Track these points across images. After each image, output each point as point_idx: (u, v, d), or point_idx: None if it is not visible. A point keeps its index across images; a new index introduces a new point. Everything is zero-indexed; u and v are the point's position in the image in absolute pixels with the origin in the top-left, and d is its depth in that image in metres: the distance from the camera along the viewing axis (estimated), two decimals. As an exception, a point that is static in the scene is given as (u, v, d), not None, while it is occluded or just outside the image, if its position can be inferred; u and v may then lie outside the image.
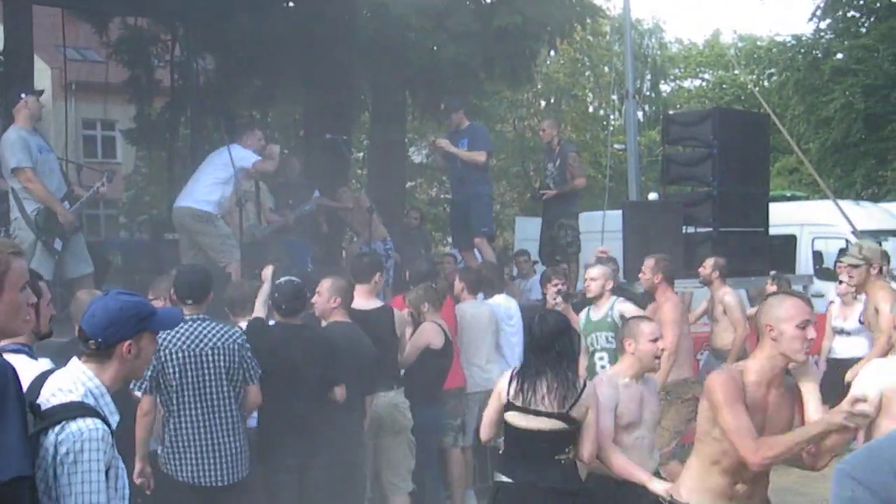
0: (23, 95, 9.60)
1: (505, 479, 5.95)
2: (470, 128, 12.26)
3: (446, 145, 11.93)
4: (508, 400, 5.88)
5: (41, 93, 10.05)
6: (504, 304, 10.10)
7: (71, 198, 9.71)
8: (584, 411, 5.82)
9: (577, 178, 12.59)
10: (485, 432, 6.18)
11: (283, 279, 7.21)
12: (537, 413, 5.79)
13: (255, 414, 7.06)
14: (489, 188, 12.69)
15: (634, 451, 6.11)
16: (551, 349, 5.91)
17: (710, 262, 11.03)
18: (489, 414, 6.10)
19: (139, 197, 28.99)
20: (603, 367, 8.18)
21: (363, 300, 8.10)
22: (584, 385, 5.90)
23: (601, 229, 14.50)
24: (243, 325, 7.35)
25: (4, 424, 3.14)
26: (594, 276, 8.96)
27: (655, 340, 6.24)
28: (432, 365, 8.73)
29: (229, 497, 6.52)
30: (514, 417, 5.88)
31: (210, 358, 6.45)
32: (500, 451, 6.14)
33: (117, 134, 31.12)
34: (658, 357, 6.28)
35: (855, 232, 14.98)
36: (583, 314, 8.87)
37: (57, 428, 3.42)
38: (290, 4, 16.72)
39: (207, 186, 10.82)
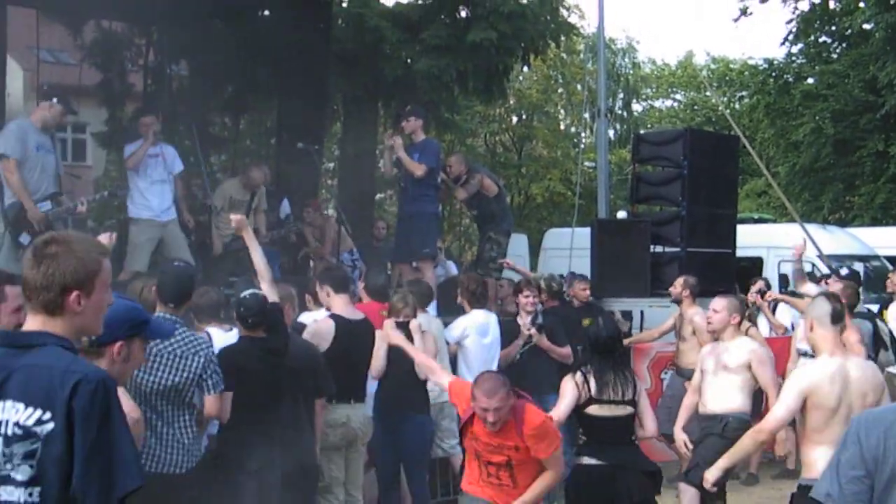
0: (54, 100, 9.64)
1: (592, 461, 6.99)
2: (423, 142, 12.08)
3: (398, 146, 11.68)
4: (591, 395, 6.98)
5: (74, 112, 10.12)
6: (483, 320, 10.06)
7: (55, 200, 9.70)
8: (640, 394, 7.15)
9: (486, 188, 12.60)
10: (559, 416, 7.01)
11: (247, 292, 7.15)
12: (616, 402, 6.98)
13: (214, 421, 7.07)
14: (435, 207, 12.28)
15: (706, 392, 8.38)
16: (614, 350, 7.26)
17: (680, 280, 11.10)
18: (565, 404, 7.05)
19: (108, 201, 28.77)
20: None
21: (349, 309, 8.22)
22: (635, 376, 7.29)
23: (569, 246, 14.55)
24: (211, 331, 7.33)
25: (119, 436, 3.11)
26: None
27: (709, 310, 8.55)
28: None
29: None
30: (595, 409, 7.00)
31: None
32: (582, 441, 7.32)
33: (88, 137, 30.93)
34: (709, 322, 8.65)
35: (821, 256, 15.10)
36: None
37: None
38: (266, 13, 16.71)
39: None
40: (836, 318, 5.99)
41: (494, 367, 9.90)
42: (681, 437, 8.32)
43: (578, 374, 7.12)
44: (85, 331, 3.37)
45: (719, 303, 8.51)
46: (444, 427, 9.54)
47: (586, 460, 7.02)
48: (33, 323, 3.25)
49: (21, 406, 3.07)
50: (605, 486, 6.89)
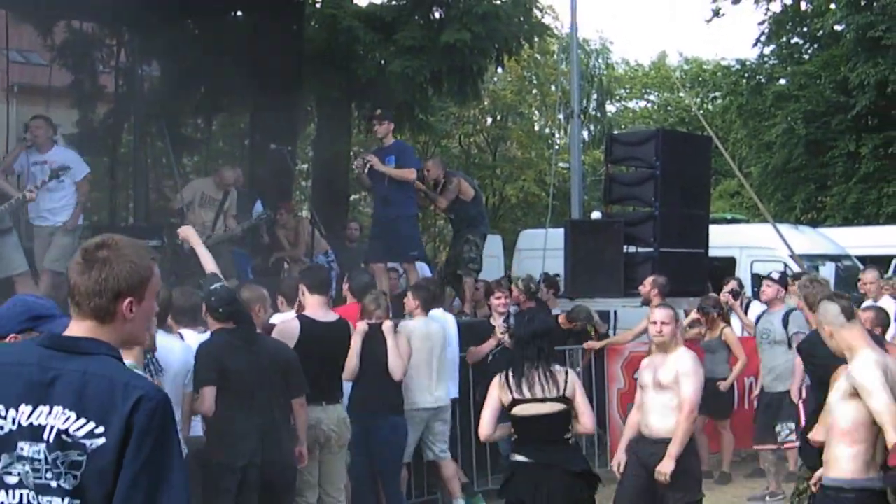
0: None
1: (522, 458, 6.88)
2: (396, 145, 12.04)
3: (377, 163, 11.67)
4: (513, 397, 6.78)
5: None
6: (442, 319, 10.07)
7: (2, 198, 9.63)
8: (574, 389, 6.82)
9: (464, 192, 12.62)
10: (484, 431, 7.02)
11: (217, 285, 7.14)
12: (541, 400, 6.74)
13: (197, 422, 7.09)
14: (415, 209, 12.50)
15: (646, 409, 7.56)
16: (535, 345, 6.88)
17: (649, 280, 11.13)
18: (486, 414, 6.96)
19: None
20: None
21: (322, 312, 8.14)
22: (567, 370, 7.02)
23: (543, 247, 14.56)
24: (185, 332, 7.30)
25: (173, 460, 2.99)
26: None
27: (655, 323, 7.57)
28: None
29: None
30: (520, 410, 6.80)
31: None
32: (514, 439, 7.04)
33: (59, 139, 30.77)
34: (657, 335, 7.60)
35: (793, 256, 15.16)
36: None
37: None
38: (238, 14, 16.65)
39: None
40: (850, 314, 5.82)
41: (457, 367, 9.96)
42: (620, 459, 7.72)
43: (500, 375, 6.98)
44: (131, 339, 3.24)
45: (667, 314, 7.71)
46: (437, 431, 9.55)
47: (517, 458, 6.92)
48: (79, 329, 3.09)
49: (73, 415, 2.92)
50: (533, 485, 6.79)
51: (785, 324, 10.66)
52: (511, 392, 6.81)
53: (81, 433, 2.91)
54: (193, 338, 7.32)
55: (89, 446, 2.90)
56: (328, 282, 8.83)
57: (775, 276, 11.40)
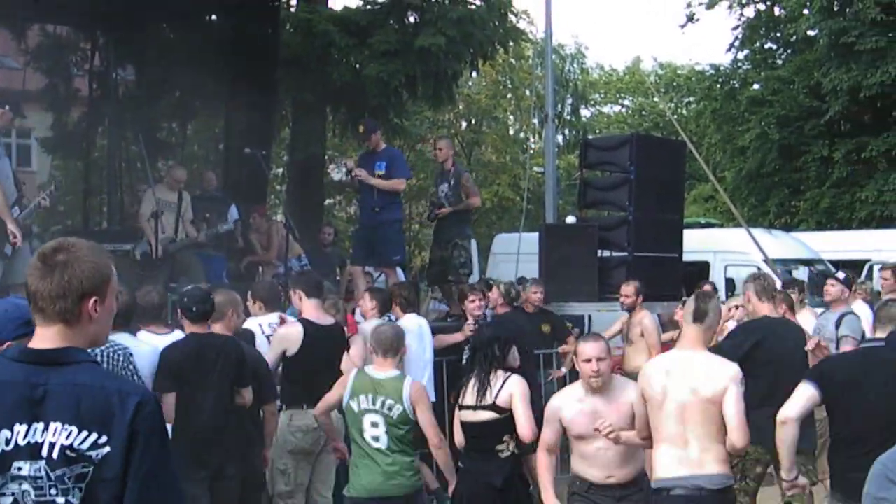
0: (6, 107, 9.60)
1: (461, 465, 7.05)
2: (387, 151, 12.06)
3: (365, 177, 11.66)
4: (458, 402, 6.94)
5: (23, 116, 10.00)
6: (415, 323, 10.06)
7: (20, 204, 9.64)
8: (508, 398, 6.68)
9: (472, 196, 12.62)
10: (455, 438, 7.12)
11: (190, 286, 7.21)
12: (474, 408, 6.77)
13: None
14: (401, 214, 12.59)
15: (597, 461, 6.28)
16: (478, 354, 6.93)
17: (631, 289, 11.13)
18: (455, 423, 7.07)
19: (53, 207, 28.45)
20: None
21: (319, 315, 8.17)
22: (508, 377, 6.80)
23: (517, 251, 14.58)
24: (145, 335, 7.24)
25: (171, 458, 3.07)
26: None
27: (588, 361, 6.18)
28: None
29: None
30: (462, 415, 6.91)
31: None
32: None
33: (33, 142, 30.58)
34: (594, 376, 6.17)
35: (767, 260, 15.22)
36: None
37: None
38: (213, 18, 16.62)
39: None
40: (697, 317, 5.94)
41: (431, 372, 9.96)
42: None
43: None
44: (97, 340, 3.20)
45: (601, 347, 6.34)
46: None
47: (460, 464, 7.09)
48: (47, 335, 3.07)
49: (74, 429, 2.92)
50: (464, 494, 6.92)
51: (837, 325, 10.45)
52: (458, 397, 6.98)
53: (86, 445, 2.93)
54: (154, 340, 7.28)
55: (95, 457, 2.92)
56: (322, 285, 8.86)
57: (840, 275, 11.26)
